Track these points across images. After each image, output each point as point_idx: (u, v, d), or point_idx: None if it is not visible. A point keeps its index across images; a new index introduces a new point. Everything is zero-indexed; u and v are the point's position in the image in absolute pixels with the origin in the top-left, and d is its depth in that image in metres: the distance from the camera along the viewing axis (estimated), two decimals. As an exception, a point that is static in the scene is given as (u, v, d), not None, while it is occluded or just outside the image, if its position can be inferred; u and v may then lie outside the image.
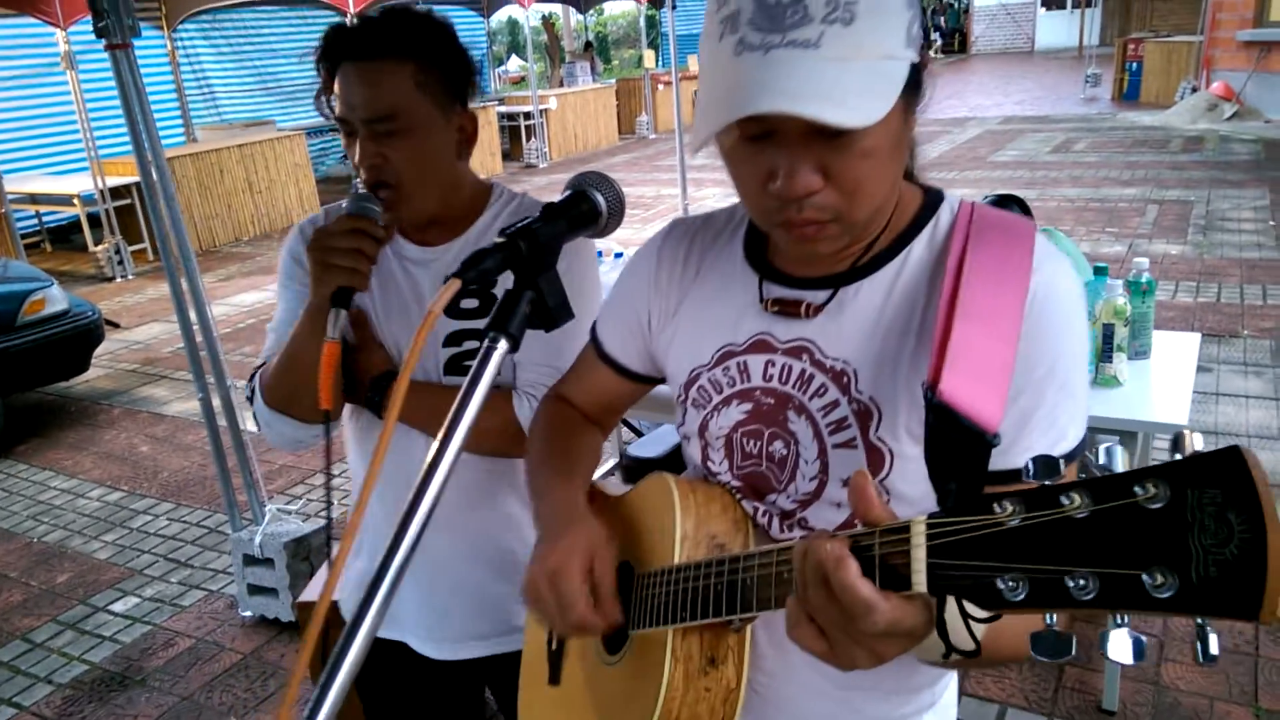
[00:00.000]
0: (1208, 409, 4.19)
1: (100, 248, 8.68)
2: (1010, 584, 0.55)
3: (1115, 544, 0.51)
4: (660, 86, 16.57)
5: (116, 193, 8.72)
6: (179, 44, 11.42)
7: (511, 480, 1.50)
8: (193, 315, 3.08)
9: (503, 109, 13.94)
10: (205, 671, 3.04)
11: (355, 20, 1.41)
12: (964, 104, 17.40)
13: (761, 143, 0.82)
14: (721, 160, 0.89)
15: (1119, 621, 0.55)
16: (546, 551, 0.99)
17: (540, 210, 0.80)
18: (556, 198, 0.90)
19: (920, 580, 0.61)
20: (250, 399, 1.48)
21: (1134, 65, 15.41)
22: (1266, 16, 12.08)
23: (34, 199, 9.30)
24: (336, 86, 1.33)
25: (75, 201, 8.83)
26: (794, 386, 0.96)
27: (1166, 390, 2.37)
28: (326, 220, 1.43)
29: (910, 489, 0.91)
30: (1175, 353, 2.57)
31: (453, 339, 1.44)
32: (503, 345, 0.66)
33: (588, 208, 0.76)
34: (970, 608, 0.61)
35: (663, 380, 1.15)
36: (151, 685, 3.00)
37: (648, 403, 1.40)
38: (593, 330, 1.19)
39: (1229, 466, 0.48)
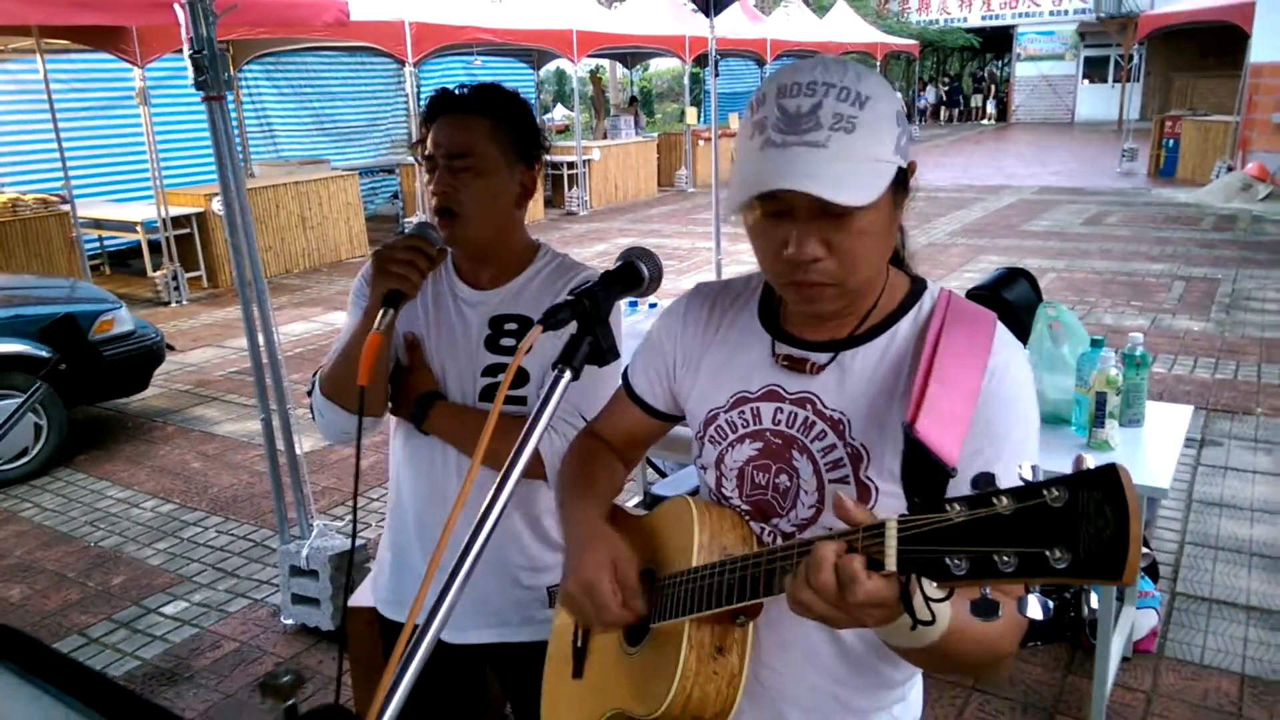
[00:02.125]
0: (1214, 481, 4.33)
1: (159, 273, 9.09)
2: (956, 562, 0.78)
3: (1029, 531, 0.74)
4: (701, 142, 16.97)
5: (177, 222, 9.16)
6: (244, 83, 11.97)
7: (520, 499, 1.73)
8: (260, 340, 3.32)
9: (548, 157, 14.37)
10: (248, 672, 3.26)
11: (458, 89, 1.69)
12: (1000, 172, 17.65)
13: (778, 219, 1.06)
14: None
15: (1030, 590, 0.77)
16: (577, 565, 1.20)
17: (599, 276, 1.03)
18: (606, 264, 1.15)
19: (891, 561, 0.82)
20: (310, 392, 1.76)
21: (1171, 142, 15.59)
22: (1302, 101, 12.25)
23: (98, 224, 9.75)
24: (431, 134, 1.64)
25: (138, 228, 9.27)
26: (799, 430, 1.18)
27: (1155, 457, 2.55)
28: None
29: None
30: (1168, 423, 2.75)
31: (490, 370, 1.70)
32: (567, 375, 0.89)
33: (635, 275, 0.99)
34: (927, 587, 0.83)
35: (682, 419, 1.37)
36: (198, 682, 3.22)
37: (671, 444, 1.61)
38: (625, 376, 1.41)
39: (1108, 477, 0.70)
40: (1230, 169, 13.31)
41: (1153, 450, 2.58)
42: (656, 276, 1.12)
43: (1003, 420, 1.10)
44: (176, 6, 6.37)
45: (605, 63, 21.38)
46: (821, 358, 1.18)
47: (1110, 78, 28.44)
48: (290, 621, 3.51)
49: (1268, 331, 6.71)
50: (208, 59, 2.95)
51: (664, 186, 16.51)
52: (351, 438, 1.76)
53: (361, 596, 2.89)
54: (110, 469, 5.14)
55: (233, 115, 11.75)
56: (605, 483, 1.37)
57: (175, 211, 9.13)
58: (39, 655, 1.25)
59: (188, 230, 9.39)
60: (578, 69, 13.93)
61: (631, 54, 17.69)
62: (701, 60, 17.67)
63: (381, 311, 1.50)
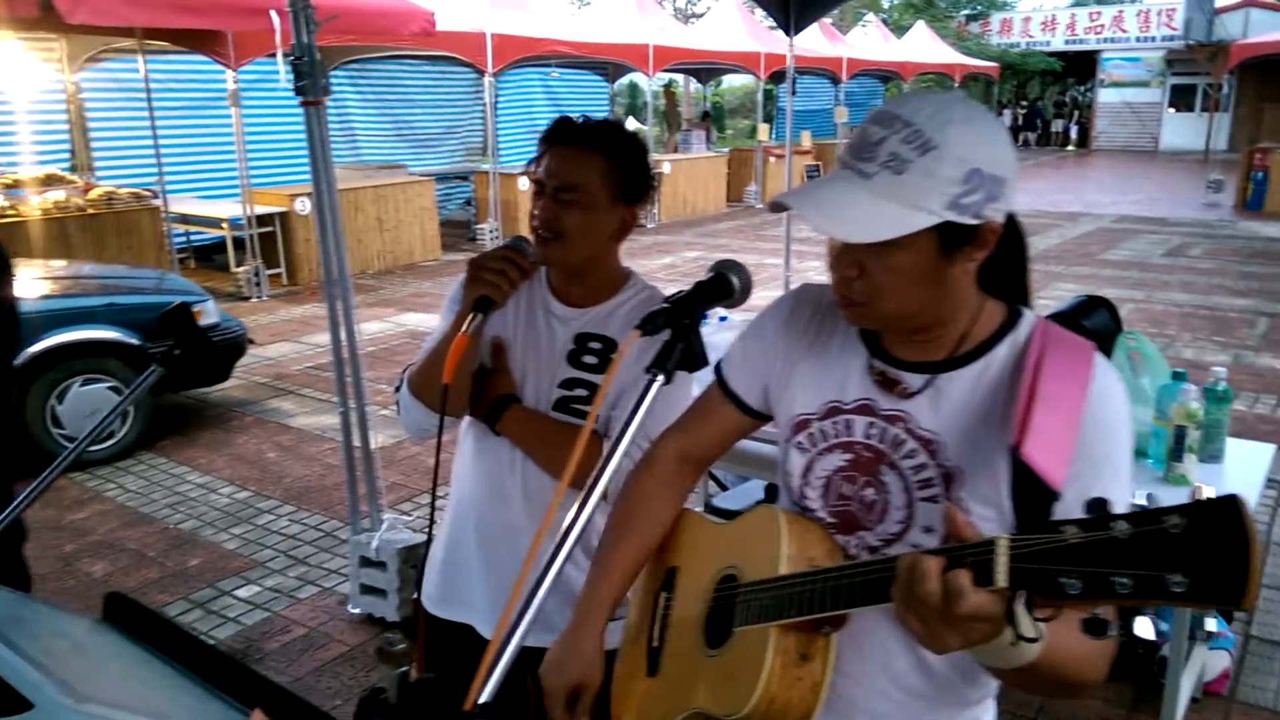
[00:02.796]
0: (1295, 524, 4.20)
1: (241, 269, 9.40)
2: (1070, 581, 0.79)
3: (1147, 556, 0.76)
4: (772, 159, 16.96)
5: (261, 220, 9.46)
6: (330, 88, 12.32)
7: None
8: (342, 336, 3.44)
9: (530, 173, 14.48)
10: (316, 658, 3.36)
11: (580, 119, 1.74)
12: (1079, 199, 17.28)
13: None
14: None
15: (1144, 612, 0.79)
16: (556, 658, 1.34)
17: (692, 286, 1.08)
18: (673, 276, 1.18)
19: (1002, 577, 0.84)
20: (398, 389, 1.83)
21: (1260, 175, 15.12)
22: (1402, 136, 11.78)
23: (186, 219, 10.11)
24: (544, 159, 1.69)
25: (224, 225, 9.60)
26: (889, 447, 1.20)
27: (1239, 477, 2.50)
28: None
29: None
30: (1248, 461, 2.70)
31: (566, 384, 1.76)
32: (659, 379, 0.94)
33: (726, 286, 1.03)
34: (1022, 618, 0.86)
35: (769, 419, 1.39)
36: (268, 665, 3.33)
37: (735, 456, 1.64)
38: (719, 374, 1.41)
39: (1227, 507, 0.73)
40: (1322, 204, 12.86)
41: (1232, 488, 2.53)
42: (746, 288, 1.16)
43: (1102, 444, 1.10)
44: (272, 13, 6.64)
45: (679, 77, 21.51)
46: (916, 381, 1.20)
47: (1197, 107, 27.67)
48: (357, 610, 3.61)
49: (1357, 373, 6.47)
50: (307, 65, 3.07)
51: (733, 202, 16.52)
52: (430, 434, 1.83)
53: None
54: (190, 455, 5.34)
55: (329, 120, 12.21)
56: (643, 534, 1.42)
57: (260, 210, 9.43)
58: (146, 620, 1.34)
59: (271, 229, 9.69)
60: (651, 83, 14.03)
61: (706, 69, 17.76)
62: (776, 77, 17.70)
63: (471, 316, 1.57)
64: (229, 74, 8.58)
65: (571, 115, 1.73)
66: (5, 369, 2.67)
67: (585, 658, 1.32)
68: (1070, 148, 30.51)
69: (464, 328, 1.56)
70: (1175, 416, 2.48)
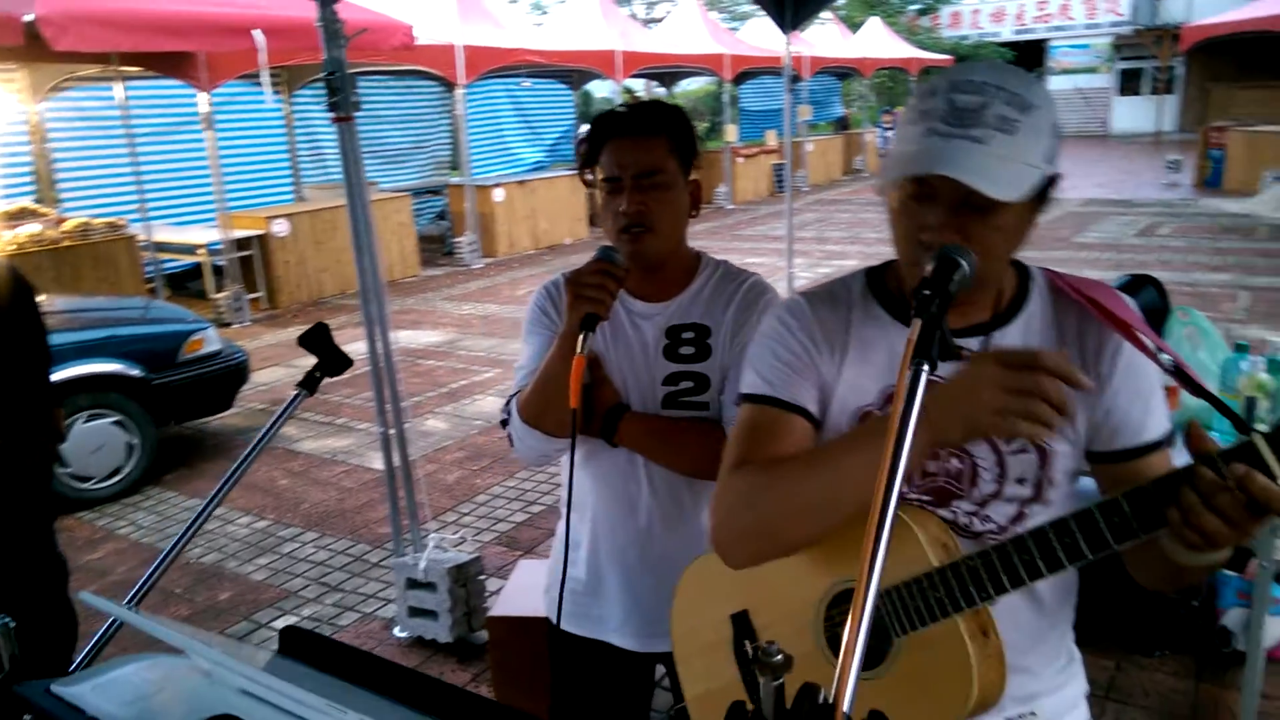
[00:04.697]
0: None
1: (222, 295, 9.23)
2: None
3: None
4: (740, 159, 17.03)
5: (239, 244, 9.30)
6: (295, 108, 12.16)
7: (707, 498, 1.74)
8: (379, 351, 3.37)
9: (588, 175, 14.46)
10: (371, 685, 3.28)
11: (622, 108, 1.74)
12: (1041, 185, 17.55)
13: (924, 203, 1.13)
14: (887, 214, 1.21)
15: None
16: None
17: (932, 270, 1.05)
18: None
19: (1276, 466, 0.90)
20: (505, 422, 1.78)
21: (1217, 153, 15.47)
22: (1356, 109, 12.12)
23: (161, 247, 9.90)
24: (604, 155, 1.67)
25: (201, 251, 9.42)
26: None
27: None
28: (565, 283, 1.74)
29: (1061, 478, 1.23)
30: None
31: (670, 379, 1.73)
32: (926, 369, 0.91)
33: (955, 267, 1.02)
34: None
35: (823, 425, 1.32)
36: (322, 695, 3.25)
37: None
38: (767, 397, 1.30)
39: None
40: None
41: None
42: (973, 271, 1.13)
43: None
44: (256, 32, 6.54)
45: (639, 83, 21.55)
46: (973, 343, 1.22)
47: (1145, 90, 28.27)
48: (405, 634, 3.54)
49: (1346, 340, 6.63)
50: (339, 81, 3.01)
51: (704, 204, 16.55)
52: (550, 459, 1.80)
53: (509, 605, 2.91)
54: (200, 487, 5.21)
55: (285, 139, 12.05)
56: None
57: (238, 234, 9.28)
58: (325, 649, 1.28)
59: (249, 252, 9.53)
60: (620, 89, 14.03)
61: (669, 73, 17.81)
62: (740, 78, 17.79)
63: (582, 336, 1.54)
64: (202, 96, 8.43)
65: (614, 109, 1.73)
66: (45, 391, 2.57)
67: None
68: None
69: (578, 349, 1.54)
70: (1245, 388, 2.50)
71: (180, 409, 5.36)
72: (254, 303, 9.59)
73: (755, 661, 0.68)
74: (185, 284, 10.78)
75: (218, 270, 9.37)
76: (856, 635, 0.75)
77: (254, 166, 11.46)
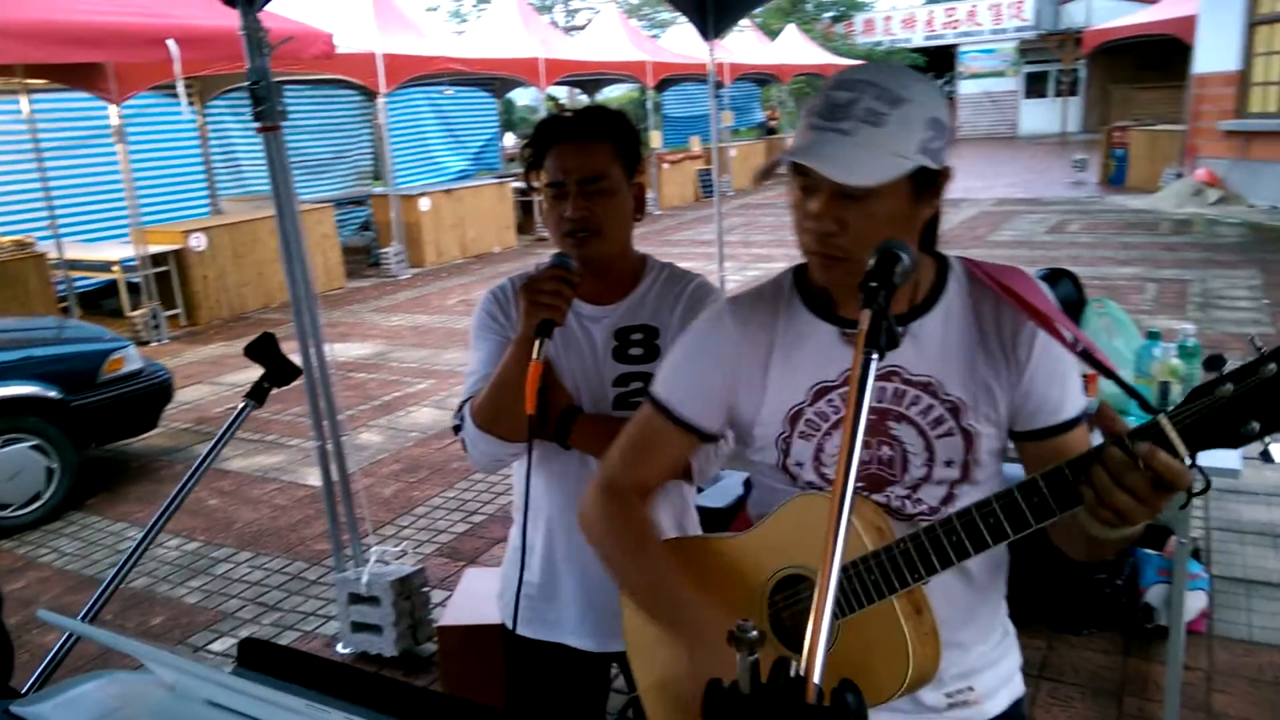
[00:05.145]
0: (1227, 469, 4.50)
1: (138, 312, 8.95)
2: (1251, 425, 0.92)
3: None
4: (665, 166, 17.16)
5: (155, 260, 9.03)
6: (209, 119, 11.86)
7: (660, 500, 1.76)
8: (314, 364, 3.32)
9: (515, 184, 14.42)
10: (315, 703, 3.22)
11: (566, 114, 1.77)
12: (956, 186, 17.96)
13: (807, 193, 1.20)
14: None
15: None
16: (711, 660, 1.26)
17: (873, 262, 1.09)
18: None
19: (1182, 445, 0.96)
20: (457, 428, 1.78)
21: (1120, 152, 16.12)
22: (1246, 108, 12.76)
23: (73, 265, 9.55)
24: (549, 160, 1.69)
25: (115, 268, 9.12)
26: (891, 402, 1.28)
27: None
28: (512, 289, 1.80)
29: (987, 458, 1.29)
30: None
31: (620, 380, 1.76)
32: (876, 358, 0.96)
33: (896, 260, 1.07)
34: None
35: (718, 439, 1.43)
36: (265, 716, 3.18)
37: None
38: (659, 405, 1.39)
39: None
40: (1180, 176, 13.81)
41: (1213, 435, 2.69)
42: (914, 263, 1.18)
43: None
44: (170, 42, 6.37)
45: (562, 90, 21.55)
46: None
47: (1050, 92, 29.31)
48: (348, 650, 3.49)
49: (1245, 328, 6.98)
50: (264, 90, 2.97)
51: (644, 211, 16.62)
52: (503, 464, 1.80)
53: (457, 614, 2.89)
54: (125, 510, 5.05)
55: (199, 152, 11.73)
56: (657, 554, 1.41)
57: (153, 249, 9.01)
58: (285, 660, 1.27)
59: (165, 268, 9.26)
60: (544, 97, 14.02)
61: (592, 80, 17.85)
62: (662, 85, 17.91)
63: (538, 342, 1.56)
64: (112, 109, 8.17)
65: (551, 113, 1.75)
66: None
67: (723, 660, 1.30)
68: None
69: (534, 354, 1.55)
70: (1158, 374, 2.63)
71: (102, 430, 5.19)
72: (172, 320, 9.32)
73: (732, 640, 0.70)
74: (99, 302, 10.41)
75: (133, 287, 9.08)
76: (823, 610, 0.79)
77: (168, 180, 11.14)
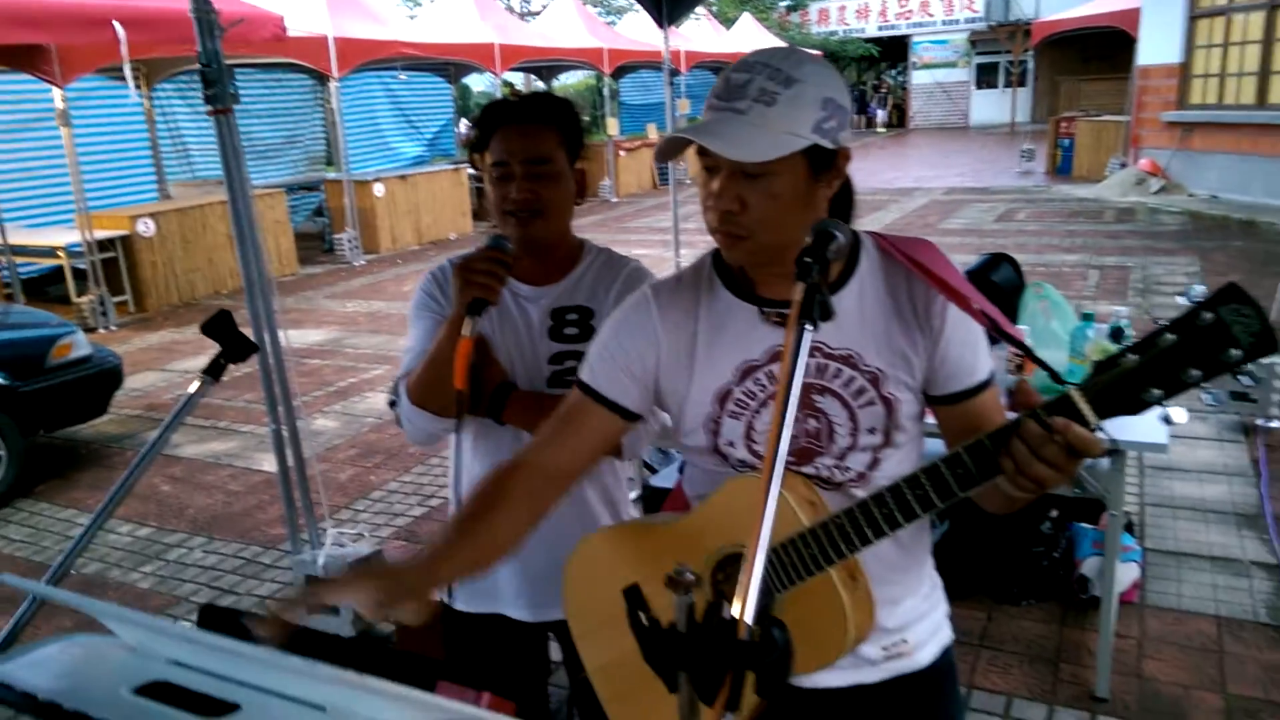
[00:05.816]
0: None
1: (84, 299, 8.79)
2: (1154, 392, 0.98)
3: (1199, 348, 0.95)
4: (622, 153, 17.17)
5: (101, 246, 8.87)
6: (156, 103, 11.65)
7: (594, 471, 1.81)
8: (268, 348, 3.32)
9: (470, 170, 14.35)
10: (272, 684, 3.24)
11: (513, 98, 1.81)
12: (908, 175, 18.32)
13: (709, 174, 1.25)
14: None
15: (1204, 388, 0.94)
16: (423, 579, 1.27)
17: (812, 238, 1.16)
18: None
19: (1093, 417, 1.02)
20: (393, 404, 1.83)
21: (1067, 142, 16.45)
22: (1187, 100, 13.11)
23: (16, 250, 9.35)
24: (494, 142, 1.74)
25: (60, 254, 8.94)
26: (814, 376, 1.32)
27: (1146, 418, 2.79)
28: (452, 269, 1.80)
29: (907, 423, 1.34)
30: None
31: (555, 359, 1.81)
32: (809, 328, 1.02)
33: (830, 238, 1.13)
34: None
35: (642, 420, 1.43)
36: (221, 698, 3.19)
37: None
38: (583, 384, 1.41)
39: (1233, 289, 0.93)
40: (1124, 166, 14.15)
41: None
42: (853, 240, 1.25)
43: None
44: (116, 23, 6.26)
45: (518, 76, 21.43)
46: None
47: (1000, 83, 29.77)
48: (305, 632, 3.50)
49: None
50: (215, 72, 2.96)
51: (587, 196, 16.60)
52: (438, 439, 1.84)
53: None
54: (75, 497, 5.00)
55: (145, 135, 11.51)
56: (493, 541, 1.36)
57: (100, 235, 8.85)
58: (243, 623, 1.31)
59: (113, 254, 9.10)
60: (499, 83, 13.95)
61: (548, 67, 17.79)
62: (619, 72, 17.90)
63: (468, 319, 1.60)
64: (56, 92, 8.00)
65: (504, 97, 1.79)
66: None
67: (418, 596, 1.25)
68: (880, 130, 32.12)
69: (464, 331, 1.59)
70: (1091, 354, 2.74)
71: (50, 416, 5.12)
72: (120, 306, 9.17)
73: (670, 583, 0.76)
74: (44, 289, 10.20)
75: (79, 274, 8.92)
76: (755, 557, 0.84)
77: (114, 164, 10.92)
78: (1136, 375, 0.99)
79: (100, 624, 1.09)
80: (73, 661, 1.05)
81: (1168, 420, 1.06)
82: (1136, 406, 1.00)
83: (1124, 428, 2.65)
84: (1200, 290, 0.96)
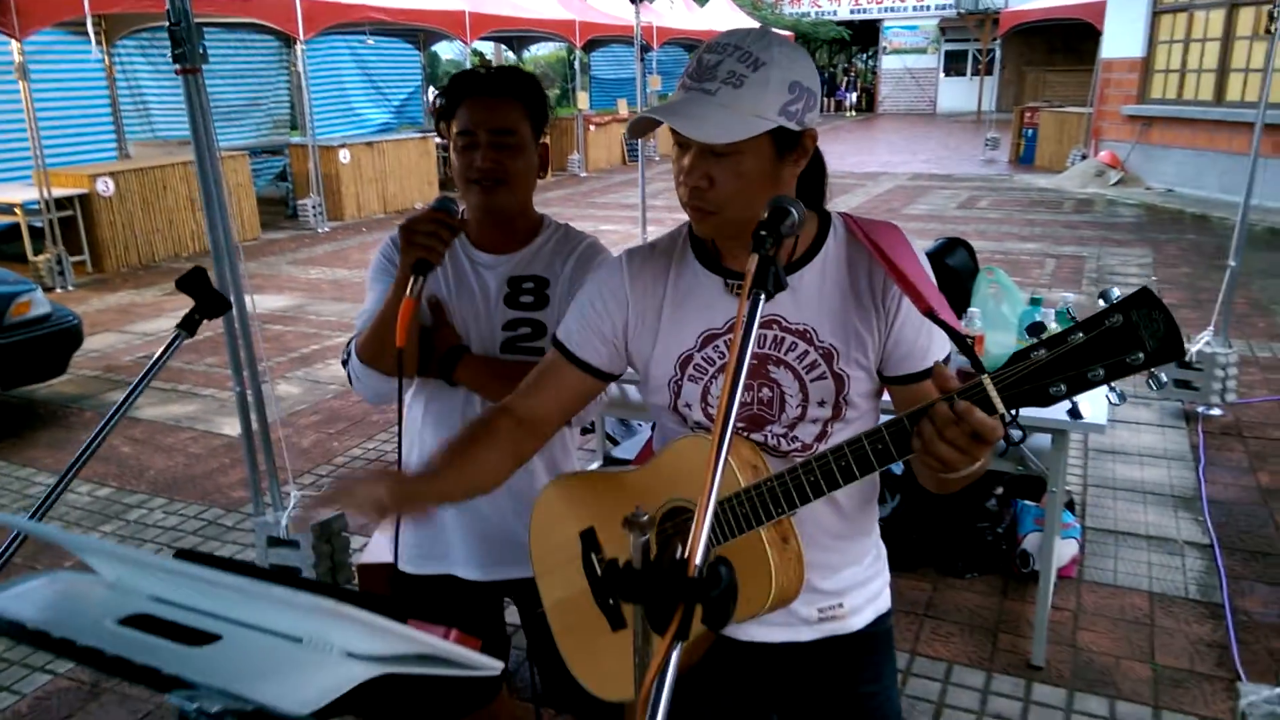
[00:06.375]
0: (1106, 431, 4.83)
1: (41, 258, 8.65)
2: (1059, 388, 1.03)
3: (1105, 349, 1.01)
4: (592, 127, 17.12)
5: (59, 204, 8.72)
6: (116, 60, 11.42)
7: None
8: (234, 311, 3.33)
9: (438, 140, 14.24)
10: (233, 642, 3.28)
11: (480, 69, 1.86)
12: (875, 160, 18.48)
13: (681, 150, 1.31)
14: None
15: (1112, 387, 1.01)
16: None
17: (766, 218, 1.22)
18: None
19: (1000, 405, 1.07)
20: (345, 362, 1.89)
21: (1030, 132, 16.69)
22: (1148, 94, 13.35)
23: (-31, 206, 9.17)
24: (461, 111, 1.79)
25: (17, 211, 8.78)
26: (770, 348, 1.40)
27: (1089, 400, 2.90)
28: None
29: (858, 399, 1.40)
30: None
31: (510, 325, 1.87)
32: (763, 298, 1.09)
33: (786, 214, 1.19)
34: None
35: (617, 377, 1.52)
36: (181, 655, 3.23)
37: (626, 406, 1.78)
38: (558, 343, 1.51)
39: (1145, 295, 0.99)
40: (1084, 157, 14.40)
41: (1085, 395, 2.94)
42: (802, 217, 1.31)
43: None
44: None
45: (488, 46, 21.22)
46: None
47: (969, 71, 30.03)
48: (266, 592, 3.54)
49: (1133, 302, 7.41)
50: (184, 31, 2.95)
51: (557, 171, 16.59)
52: (388, 399, 1.90)
53: (375, 554, 2.99)
54: (32, 455, 4.96)
55: (106, 93, 11.28)
56: (475, 475, 1.45)
57: (58, 193, 8.70)
58: (218, 564, 1.36)
59: (70, 212, 8.96)
60: (469, 51, 13.83)
61: (519, 37, 17.65)
62: (590, 46, 17.81)
63: (413, 280, 1.65)
64: (14, 45, 7.84)
65: (473, 68, 1.85)
66: None
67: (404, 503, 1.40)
68: (849, 114, 32.28)
69: (408, 291, 1.63)
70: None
71: (8, 375, 5.07)
72: (78, 266, 9.03)
73: (627, 523, 0.83)
74: (0, 246, 10.03)
75: (36, 232, 8.77)
76: (706, 506, 0.92)
77: (73, 122, 10.71)
78: (1044, 370, 1.03)
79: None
80: (56, 595, 1.09)
81: (1076, 414, 1.11)
82: (1044, 400, 1.05)
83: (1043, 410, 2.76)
84: (1116, 293, 1.00)
